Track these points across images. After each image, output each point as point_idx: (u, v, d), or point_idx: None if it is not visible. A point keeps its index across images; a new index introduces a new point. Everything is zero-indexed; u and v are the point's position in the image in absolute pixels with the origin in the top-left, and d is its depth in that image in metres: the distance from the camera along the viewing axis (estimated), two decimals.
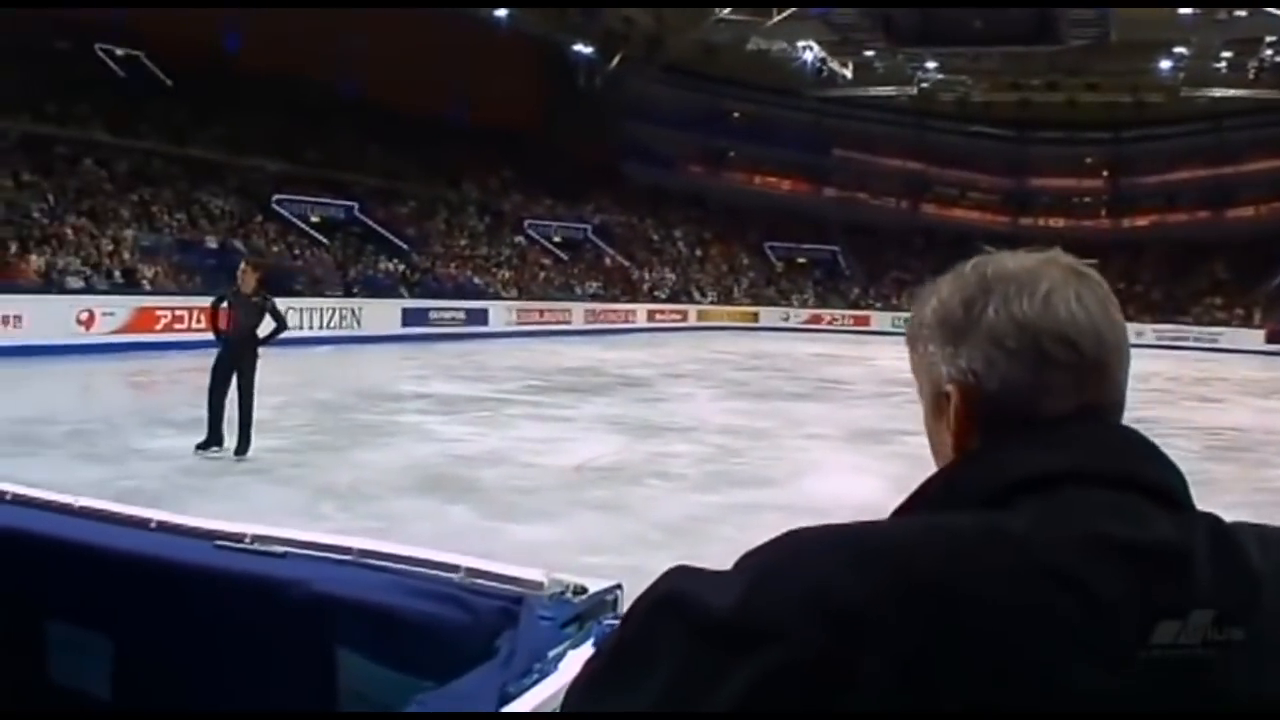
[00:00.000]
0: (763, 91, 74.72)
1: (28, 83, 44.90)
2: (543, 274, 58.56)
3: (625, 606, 1.43)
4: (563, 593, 2.13)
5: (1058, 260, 1.39)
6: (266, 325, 15.53)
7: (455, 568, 2.20)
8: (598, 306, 57.16)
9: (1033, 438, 1.30)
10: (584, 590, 2.14)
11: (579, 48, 67.47)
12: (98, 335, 32.13)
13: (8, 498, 2.82)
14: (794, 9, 61.29)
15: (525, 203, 64.13)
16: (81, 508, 2.69)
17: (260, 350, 15.45)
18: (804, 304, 67.54)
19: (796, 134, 77.90)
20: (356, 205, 53.34)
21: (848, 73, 71.10)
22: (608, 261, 64.19)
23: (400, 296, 47.24)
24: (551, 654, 1.84)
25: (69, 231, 38.71)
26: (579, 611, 2.04)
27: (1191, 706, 1.15)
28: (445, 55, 58.27)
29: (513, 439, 17.54)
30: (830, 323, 64.41)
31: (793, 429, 19.59)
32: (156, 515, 2.59)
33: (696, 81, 73.51)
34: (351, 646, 2.16)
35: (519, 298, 53.68)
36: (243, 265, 16.44)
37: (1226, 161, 73.56)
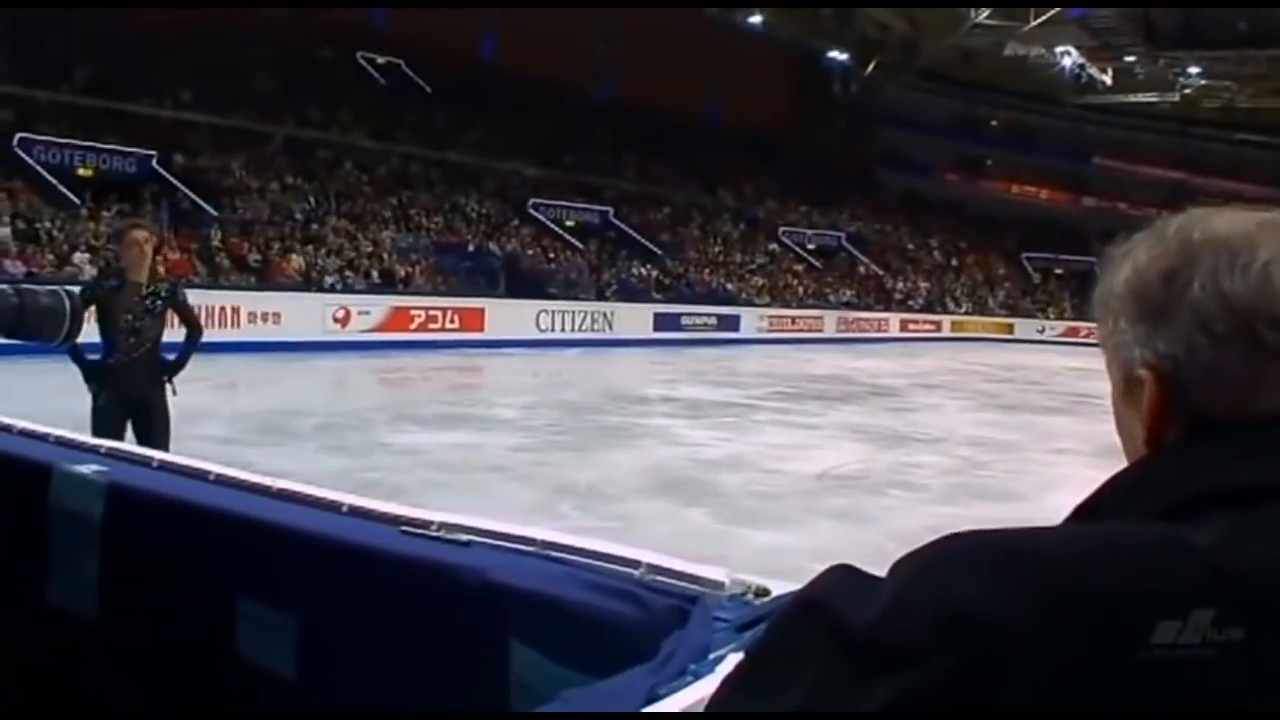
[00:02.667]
0: (1020, 98, 73.38)
1: (293, 89, 46.62)
2: (796, 281, 58.42)
3: None
4: (744, 594, 2.07)
5: (1278, 222, 1.20)
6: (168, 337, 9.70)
7: (636, 563, 2.16)
8: (850, 315, 56.64)
9: (1239, 441, 1.12)
10: (767, 592, 2.07)
11: (834, 54, 67.27)
12: (353, 333, 32.99)
13: (211, 477, 2.92)
14: (1052, 12, 60.29)
15: (779, 209, 64.03)
16: (279, 490, 2.77)
17: (172, 382, 9.46)
18: (1060, 316, 65.87)
19: (1055, 141, 76.26)
20: (611, 210, 53.88)
21: (1107, 79, 69.80)
22: (861, 270, 63.70)
23: (652, 301, 47.57)
24: (712, 655, 1.79)
25: (329, 233, 39.78)
26: (758, 614, 1.96)
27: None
28: (700, 61, 58.55)
29: (757, 445, 17.43)
30: (1087, 336, 62.43)
31: (1042, 443, 19.12)
32: (348, 499, 2.64)
33: (953, 88, 72.58)
34: (524, 638, 2.15)
35: (771, 304, 53.58)
36: (130, 234, 9.75)
37: None
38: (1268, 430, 1.13)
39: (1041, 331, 63.43)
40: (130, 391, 9.13)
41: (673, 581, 2.11)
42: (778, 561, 9.30)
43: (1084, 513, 1.18)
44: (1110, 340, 1.26)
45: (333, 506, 2.62)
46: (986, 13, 62.37)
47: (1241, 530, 1.04)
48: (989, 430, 20.44)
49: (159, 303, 9.34)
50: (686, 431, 18.62)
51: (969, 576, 1.03)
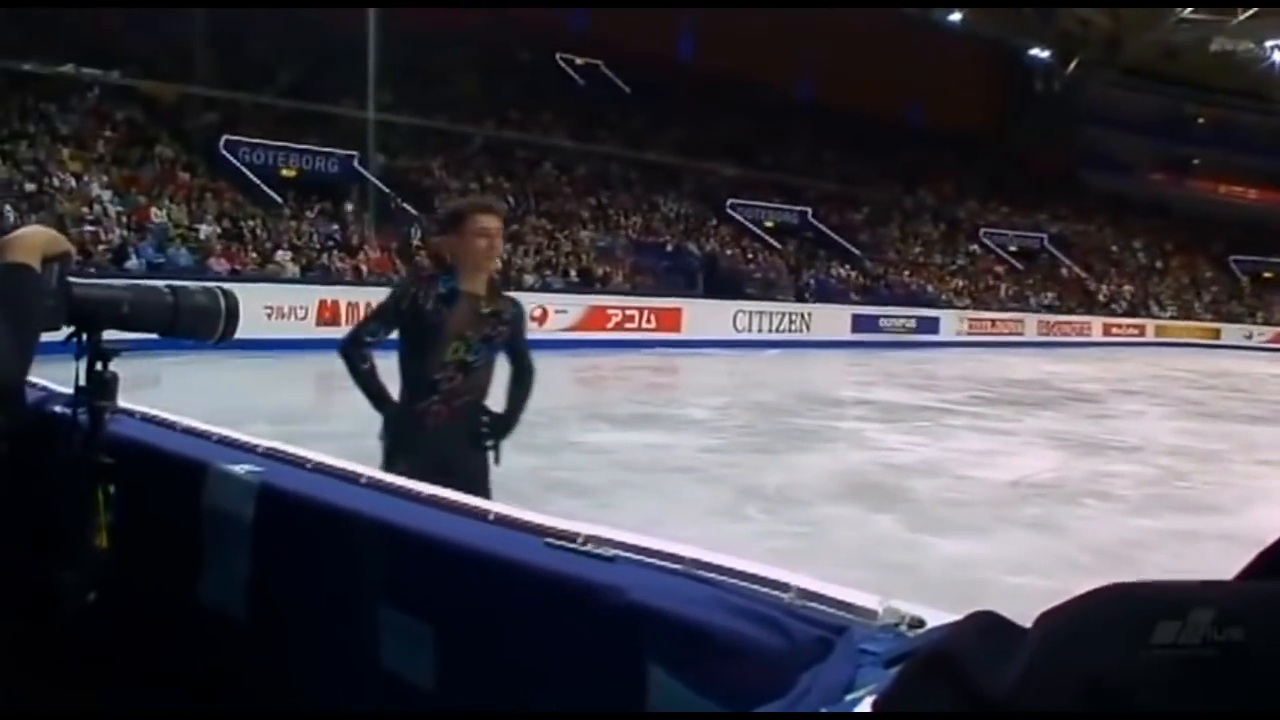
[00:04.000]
0: (1228, 94, 71.25)
1: (493, 91, 47.51)
2: (996, 283, 57.71)
3: None
4: (897, 624, 1.92)
5: None
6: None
7: (786, 587, 2.05)
8: (1051, 318, 55.86)
9: None
10: (921, 623, 1.92)
11: (1035, 51, 66.46)
12: (550, 331, 33.24)
13: (362, 480, 2.93)
14: (1260, 6, 58.83)
15: (980, 210, 63.35)
16: (428, 496, 2.76)
17: (497, 448, 6.11)
18: (1269, 321, 64.07)
19: (1265, 140, 73.94)
20: (810, 210, 53.83)
21: None
22: (1064, 272, 62.74)
23: (851, 302, 47.41)
24: (850, 695, 1.65)
25: (528, 232, 40.21)
26: (909, 648, 1.80)
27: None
28: (899, 59, 58.41)
29: (950, 450, 17.18)
30: None
31: (1246, 453, 18.53)
32: (495, 508, 2.61)
33: (1158, 85, 70.94)
34: (662, 662, 2.06)
35: (971, 307, 53.05)
36: (477, 219, 6.00)
37: None
38: None
39: (1249, 337, 61.77)
40: (449, 463, 5.48)
41: (823, 608, 1.99)
42: (968, 572, 9.12)
43: (1264, 561, 1.01)
44: None
45: (479, 514, 2.59)
46: (1191, 8, 61.15)
47: None
48: (1191, 439, 19.93)
49: (502, 328, 6.12)
50: (879, 435, 18.45)
51: (1108, 640, 0.91)
